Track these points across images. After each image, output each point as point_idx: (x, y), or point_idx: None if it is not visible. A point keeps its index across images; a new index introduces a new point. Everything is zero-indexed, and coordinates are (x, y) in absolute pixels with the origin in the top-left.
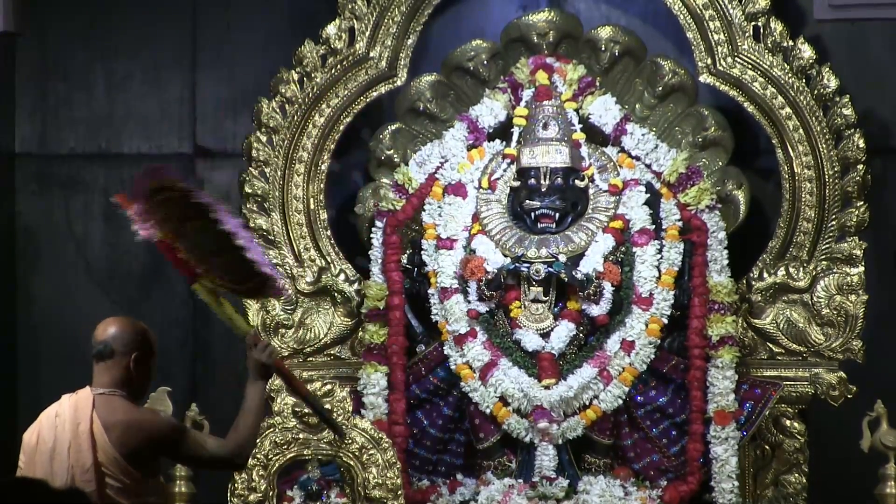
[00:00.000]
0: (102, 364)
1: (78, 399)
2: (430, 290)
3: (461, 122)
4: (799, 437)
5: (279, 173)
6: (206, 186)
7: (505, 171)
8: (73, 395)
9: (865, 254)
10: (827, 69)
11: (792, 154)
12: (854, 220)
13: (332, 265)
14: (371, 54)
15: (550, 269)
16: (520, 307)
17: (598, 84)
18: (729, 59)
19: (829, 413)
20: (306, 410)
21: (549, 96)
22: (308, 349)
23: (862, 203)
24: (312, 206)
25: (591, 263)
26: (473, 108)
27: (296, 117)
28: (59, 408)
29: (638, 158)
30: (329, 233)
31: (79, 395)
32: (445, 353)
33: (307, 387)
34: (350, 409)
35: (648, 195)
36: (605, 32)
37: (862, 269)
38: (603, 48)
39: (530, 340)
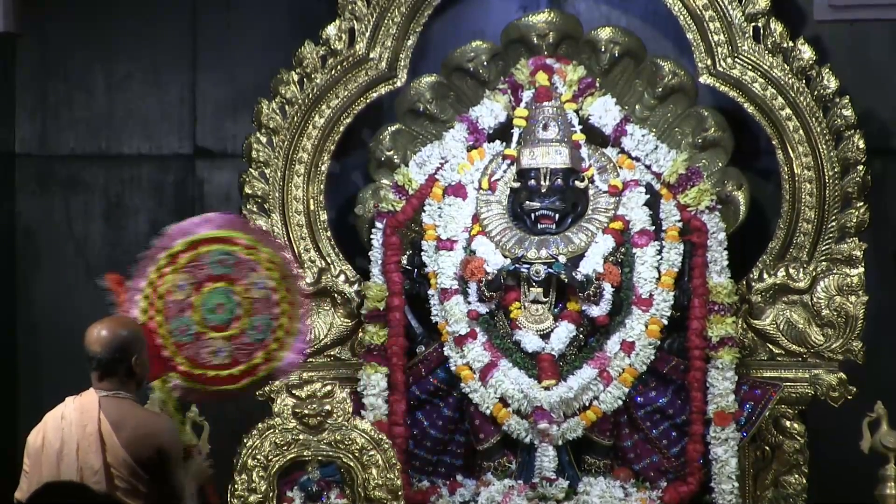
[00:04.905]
0: (102, 371)
1: (83, 401)
2: (430, 291)
3: (461, 122)
4: (799, 437)
5: (279, 174)
6: (205, 187)
7: (505, 171)
8: (78, 397)
9: (865, 255)
10: (827, 70)
11: (792, 155)
12: (854, 220)
13: (332, 266)
14: (371, 55)
15: (550, 270)
16: (520, 308)
17: (598, 85)
18: (729, 60)
19: (829, 414)
20: (306, 412)
21: (549, 97)
22: (308, 350)
23: (862, 204)
24: (312, 207)
25: (591, 264)
26: (473, 108)
27: (296, 118)
28: (65, 409)
29: (638, 159)
30: (329, 234)
31: (83, 396)
32: (445, 354)
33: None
34: (350, 410)
35: (648, 196)
36: (605, 33)
37: (862, 269)
38: (603, 49)
39: (530, 341)
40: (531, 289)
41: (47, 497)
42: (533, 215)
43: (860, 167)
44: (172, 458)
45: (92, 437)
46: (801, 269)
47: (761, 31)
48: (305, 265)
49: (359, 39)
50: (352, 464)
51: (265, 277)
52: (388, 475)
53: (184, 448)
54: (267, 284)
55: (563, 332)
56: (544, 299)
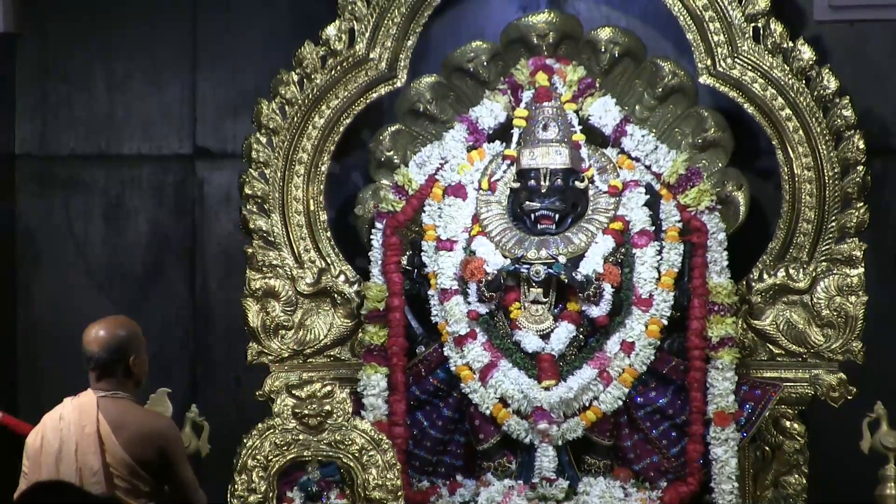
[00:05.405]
0: (100, 371)
1: (81, 402)
2: (430, 292)
3: (461, 123)
4: (799, 438)
5: (279, 174)
6: (205, 187)
7: (505, 172)
8: (76, 397)
9: (865, 255)
10: (827, 70)
11: (792, 155)
12: (854, 221)
13: (332, 266)
14: (371, 55)
15: (550, 271)
16: (520, 308)
17: (597, 85)
18: (729, 60)
19: (829, 414)
20: (306, 412)
21: (549, 97)
22: (308, 350)
23: (862, 204)
24: (312, 208)
25: (591, 265)
26: (473, 109)
27: (295, 118)
28: (63, 410)
29: (638, 160)
30: (329, 234)
31: (81, 397)
32: (445, 354)
33: None
34: (350, 410)
35: (648, 196)
36: (604, 33)
37: (862, 270)
38: (603, 49)
39: (530, 342)
40: (531, 289)
41: (36, 496)
42: (533, 215)
43: (860, 167)
44: (176, 455)
45: (90, 438)
46: (801, 270)
47: (761, 32)
48: (305, 265)
49: (359, 40)
50: (352, 464)
51: None
52: (387, 475)
53: None
54: None
55: (563, 333)
56: (544, 299)
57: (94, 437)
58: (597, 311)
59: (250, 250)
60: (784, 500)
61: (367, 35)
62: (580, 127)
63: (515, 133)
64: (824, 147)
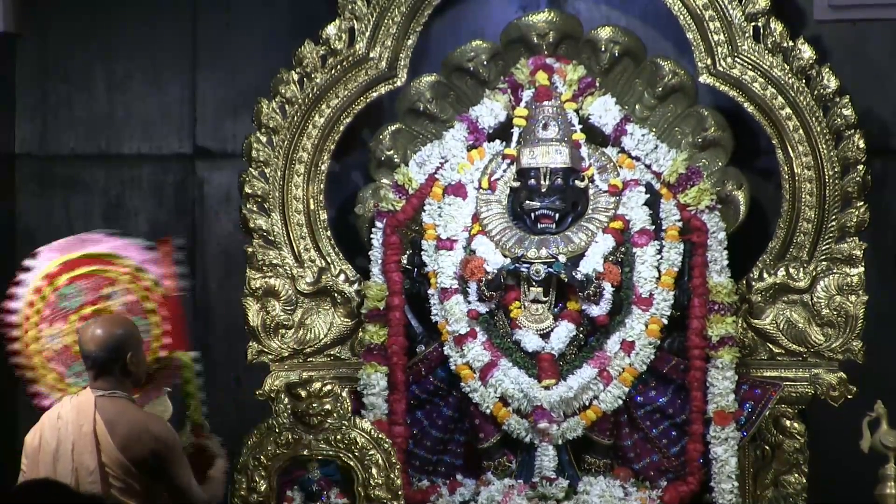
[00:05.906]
0: (98, 370)
1: (79, 401)
2: (430, 291)
3: (461, 122)
4: (799, 437)
5: (279, 174)
6: (205, 187)
7: (505, 171)
8: (74, 396)
9: (865, 254)
10: (827, 70)
11: (792, 154)
12: (854, 220)
13: (332, 266)
14: (371, 55)
15: (550, 270)
16: (520, 307)
17: (597, 84)
18: (729, 60)
19: (829, 413)
20: (306, 411)
21: (549, 97)
22: (308, 349)
23: (862, 203)
24: (312, 207)
25: (591, 264)
26: (473, 108)
27: (296, 118)
28: (61, 409)
29: (638, 159)
30: (329, 233)
31: (80, 396)
32: (445, 353)
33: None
34: (350, 409)
35: (648, 195)
36: (604, 33)
37: (862, 269)
38: (603, 49)
39: (530, 341)
40: (531, 288)
41: (22, 495)
42: (533, 215)
43: (860, 167)
44: (172, 458)
45: (87, 438)
46: (801, 269)
47: (761, 31)
48: (305, 264)
49: (359, 39)
50: (352, 463)
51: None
52: (388, 475)
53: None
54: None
55: (563, 332)
56: (544, 299)
57: (91, 436)
58: (597, 311)
59: (250, 250)
60: (784, 499)
61: (367, 34)
62: (580, 126)
63: (515, 132)
64: (824, 146)
